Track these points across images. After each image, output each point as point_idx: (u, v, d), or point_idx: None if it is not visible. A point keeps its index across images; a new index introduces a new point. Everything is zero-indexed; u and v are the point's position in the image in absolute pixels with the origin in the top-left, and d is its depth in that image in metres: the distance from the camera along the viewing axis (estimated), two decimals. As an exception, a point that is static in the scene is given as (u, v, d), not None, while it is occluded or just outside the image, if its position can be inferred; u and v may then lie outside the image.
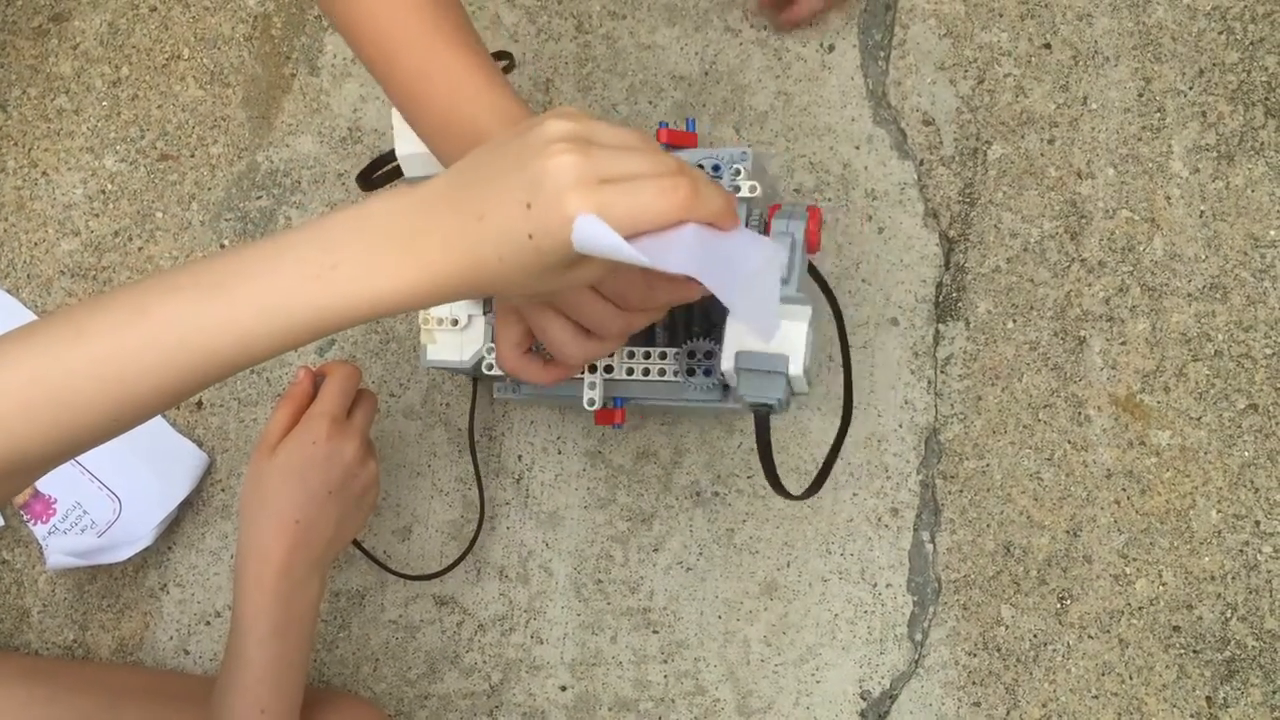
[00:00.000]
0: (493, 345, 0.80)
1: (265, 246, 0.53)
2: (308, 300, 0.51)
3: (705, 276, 0.50)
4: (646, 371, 0.77)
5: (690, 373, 0.76)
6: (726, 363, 0.68)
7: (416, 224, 0.52)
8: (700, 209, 0.51)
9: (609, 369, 0.78)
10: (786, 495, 0.68)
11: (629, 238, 0.50)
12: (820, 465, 0.72)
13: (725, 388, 0.76)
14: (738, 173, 0.74)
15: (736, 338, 0.68)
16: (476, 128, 0.65)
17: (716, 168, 0.74)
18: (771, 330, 0.52)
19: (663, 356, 0.77)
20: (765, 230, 0.73)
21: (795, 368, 0.66)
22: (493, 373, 0.80)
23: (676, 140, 0.77)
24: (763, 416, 0.68)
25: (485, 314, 0.81)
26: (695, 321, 0.79)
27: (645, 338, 0.80)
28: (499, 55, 0.83)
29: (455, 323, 0.81)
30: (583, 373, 0.78)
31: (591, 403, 0.77)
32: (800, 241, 0.69)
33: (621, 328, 0.64)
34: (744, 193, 0.74)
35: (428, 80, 0.66)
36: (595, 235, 0.49)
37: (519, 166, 0.51)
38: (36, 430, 0.52)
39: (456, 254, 0.51)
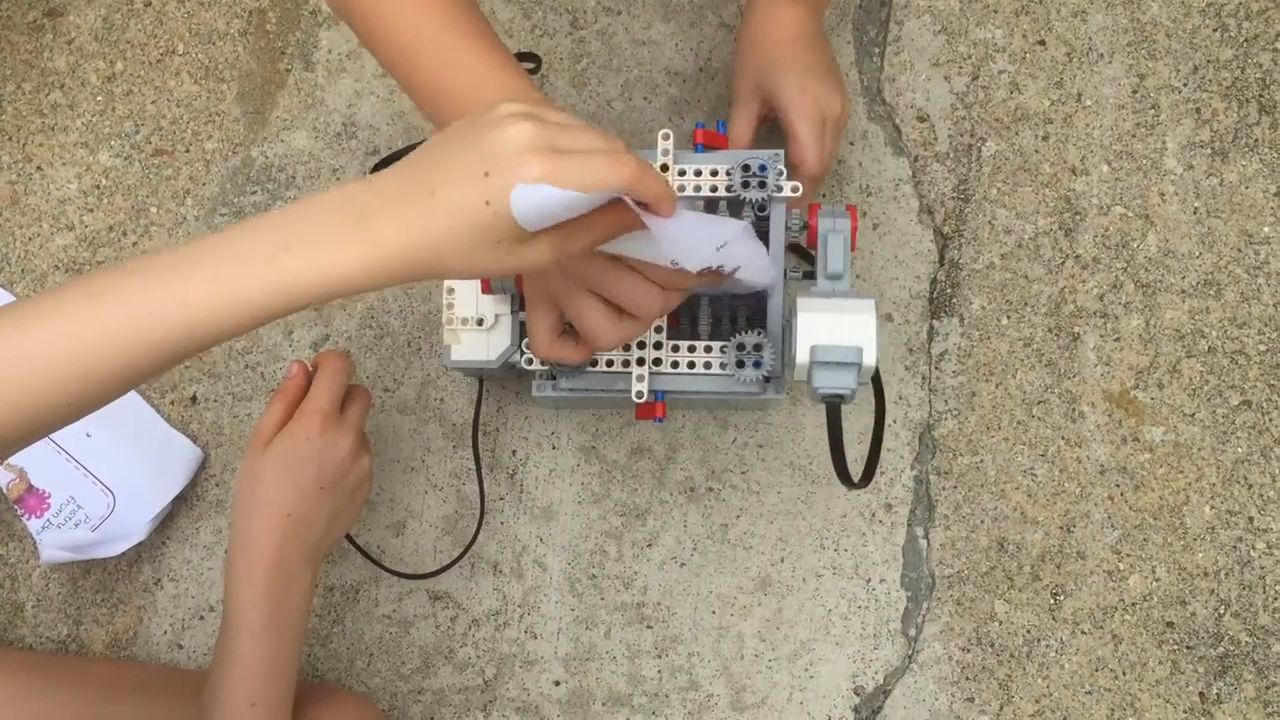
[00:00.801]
0: (522, 349, 0.81)
1: (220, 234, 0.54)
2: (256, 281, 0.52)
3: (669, 248, 0.56)
4: (692, 365, 0.79)
5: (740, 365, 0.77)
6: (802, 356, 0.69)
7: (368, 204, 0.53)
8: (644, 186, 0.54)
9: (656, 361, 0.79)
10: (851, 485, 0.70)
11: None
12: (840, 457, 0.73)
13: (766, 379, 0.77)
14: (781, 173, 0.76)
15: (809, 330, 0.69)
16: (469, 80, 0.66)
17: (763, 167, 0.76)
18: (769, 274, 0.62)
19: (708, 349, 0.78)
20: (810, 229, 0.76)
21: (869, 358, 0.68)
22: (532, 366, 0.80)
23: (711, 141, 0.79)
24: (834, 407, 0.70)
25: (514, 312, 0.82)
26: (740, 314, 0.82)
27: (689, 331, 0.82)
28: (525, 57, 0.84)
29: (480, 322, 0.81)
30: (628, 366, 0.79)
31: (640, 395, 0.78)
32: (847, 239, 0.74)
33: (659, 306, 0.65)
34: (785, 192, 0.76)
35: (450, 78, 0.67)
36: (536, 198, 0.51)
37: (473, 140, 0.52)
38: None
39: (407, 231, 0.52)
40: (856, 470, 0.72)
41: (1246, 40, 0.99)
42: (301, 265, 0.52)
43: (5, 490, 0.94)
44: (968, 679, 0.92)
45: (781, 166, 0.77)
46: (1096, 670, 0.92)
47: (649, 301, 0.65)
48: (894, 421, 0.95)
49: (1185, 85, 0.98)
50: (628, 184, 0.53)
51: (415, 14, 0.68)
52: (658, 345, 0.79)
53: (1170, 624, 0.92)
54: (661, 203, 0.56)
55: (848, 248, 0.75)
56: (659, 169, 0.76)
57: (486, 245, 0.52)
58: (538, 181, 0.51)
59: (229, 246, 0.53)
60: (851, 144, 0.98)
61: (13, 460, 0.94)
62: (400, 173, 0.54)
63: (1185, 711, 0.91)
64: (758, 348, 0.77)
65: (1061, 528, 0.93)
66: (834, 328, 0.69)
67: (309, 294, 0.53)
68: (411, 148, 0.83)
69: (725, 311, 0.83)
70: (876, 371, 0.72)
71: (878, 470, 0.94)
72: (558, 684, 0.93)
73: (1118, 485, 0.94)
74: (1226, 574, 0.93)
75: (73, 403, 0.54)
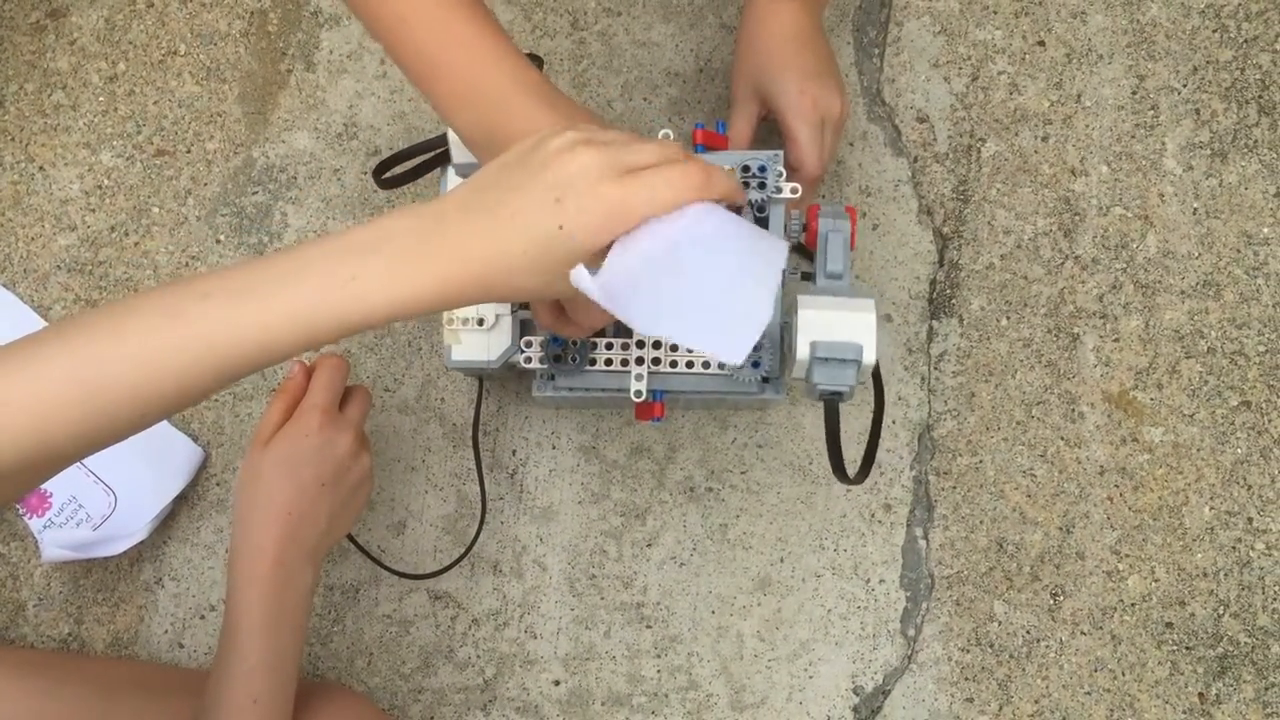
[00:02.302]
0: (521, 347, 0.81)
1: (288, 257, 0.56)
2: (329, 308, 0.54)
3: (664, 333, 0.56)
4: (690, 364, 0.79)
5: (739, 365, 0.77)
6: (802, 352, 0.69)
7: (433, 233, 0.55)
8: (714, 190, 0.56)
9: (655, 361, 0.79)
10: (848, 480, 0.71)
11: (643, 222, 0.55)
12: (831, 454, 0.73)
13: (765, 379, 0.78)
14: (780, 174, 0.77)
15: (810, 327, 0.69)
16: (500, 94, 0.67)
17: (763, 168, 0.76)
18: (740, 355, 0.56)
19: None
20: (809, 229, 0.76)
21: (869, 356, 0.68)
22: (532, 366, 0.81)
23: (710, 141, 0.79)
24: (833, 405, 0.70)
25: (513, 312, 0.82)
26: None
27: None
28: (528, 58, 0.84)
29: (481, 322, 0.82)
30: (627, 365, 0.79)
31: (639, 394, 0.78)
32: (847, 239, 0.75)
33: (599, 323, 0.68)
34: (785, 194, 0.77)
35: (446, 51, 0.67)
36: (581, 282, 0.54)
37: (541, 168, 0.54)
38: (69, 424, 0.54)
39: (478, 254, 0.55)
40: (854, 469, 0.73)
41: (1246, 41, 0.99)
42: (374, 290, 0.54)
43: (7, 489, 0.94)
44: (967, 679, 0.92)
45: (781, 167, 0.77)
46: (1096, 671, 0.92)
47: (599, 320, 0.67)
48: (893, 422, 0.95)
49: (1185, 86, 0.98)
50: (699, 192, 0.56)
51: (439, 19, 0.68)
52: (656, 345, 0.79)
53: (1169, 624, 0.92)
54: (735, 196, 0.58)
55: (847, 247, 0.75)
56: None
57: (556, 266, 0.55)
58: (616, 206, 0.54)
59: (305, 270, 0.55)
60: (851, 144, 0.99)
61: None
62: (466, 198, 0.56)
63: (1184, 712, 0.91)
64: (756, 348, 0.77)
65: (1061, 528, 0.93)
66: (834, 325, 0.69)
67: (380, 316, 0.55)
68: (415, 149, 0.84)
69: None
70: (876, 366, 0.72)
71: (878, 471, 0.94)
72: (557, 684, 0.93)
73: (1117, 486, 0.94)
74: (1226, 574, 0.93)
75: (145, 415, 0.55)
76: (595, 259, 0.55)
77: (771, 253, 0.59)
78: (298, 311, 0.54)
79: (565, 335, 0.75)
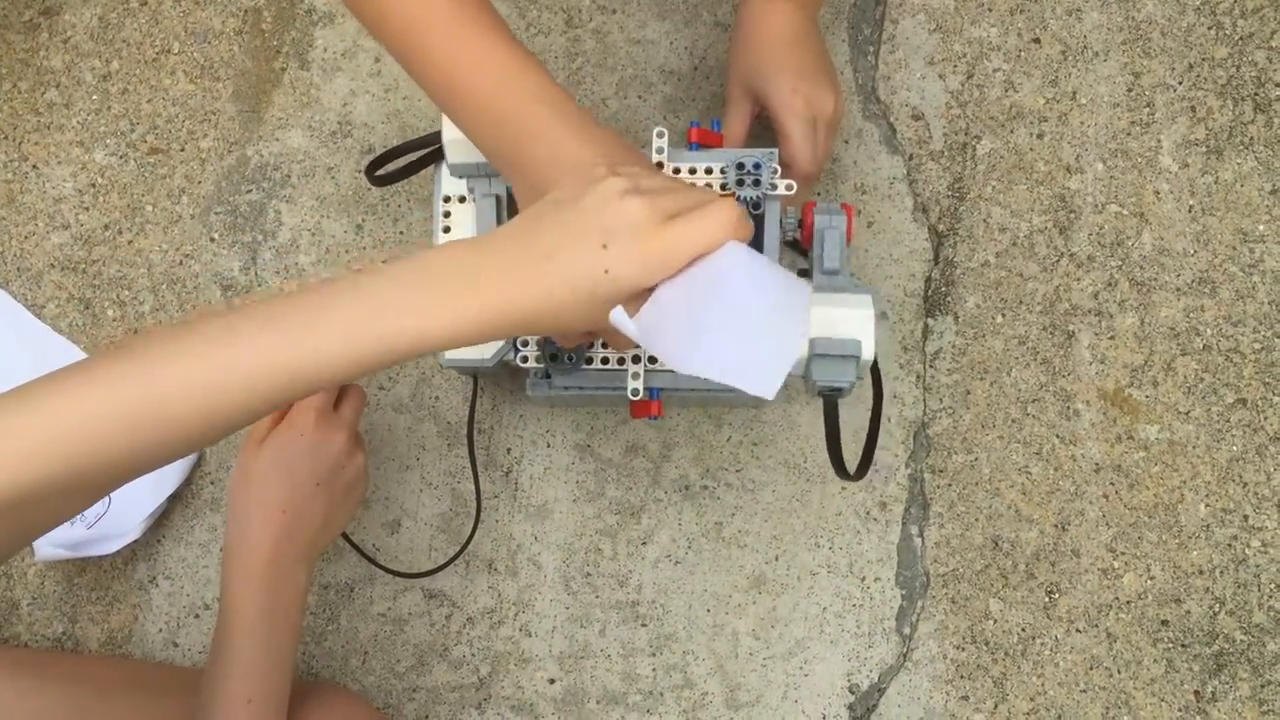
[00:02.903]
0: (517, 346, 0.81)
1: (338, 289, 0.58)
2: (378, 340, 0.57)
3: (699, 371, 0.59)
4: None
5: None
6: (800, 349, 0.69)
7: (480, 267, 0.58)
8: (746, 226, 0.60)
9: (652, 359, 0.79)
10: (847, 476, 0.72)
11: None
12: (829, 450, 0.73)
13: None
14: (775, 172, 0.77)
15: (810, 324, 0.69)
16: (520, 112, 0.67)
17: (758, 166, 0.76)
18: (773, 390, 0.59)
19: None
20: (805, 226, 0.77)
21: (868, 352, 0.68)
22: (527, 364, 0.80)
23: (705, 139, 0.79)
24: (832, 401, 0.71)
25: None
26: None
27: None
28: None
29: None
30: (623, 364, 0.79)
31: (636, 393, 0.78)
32: (843, 235, 0.75)
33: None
34: (780, 190, 0.77)
35: (458, 68, 0.68)
36: (620, 324, 0.59)
37: (588, 213, 0.58)
38: (125, 448, 0.55)
39: (524, 290, 0.57)
40: (852, 465, 0.72)
41: (1241, 38, 0.99)
42: (418, 323, 0.57)
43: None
44: (962, 677, 0.92)
45: (776, 165, 0.77)
46: (1091, 668, 0.92)
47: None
48: (889, 420, 0.95)
49: (1180, 83, 0.98)
50: (734, 234, 0.59)
51: (422, 3, 0.68)
52: None
53: (1165, 622, 0.92)
54: (751, 233, 0.62)
55: (844, 244, 0.75)
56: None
57: (601, 306, 0.58)
58: (659, 251, 0.57)
59: (353, 304, 0.57)
60: (846, 142, 0.99)
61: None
62: (515, 235, 0.59)
63: (1180, 710, 0.91)
64: None
65: (1056, 526, 0.93)
66: (832, 321, 0.69)
67: (423, 348, 0.57)
68: (408, 146, 0.84)
69: None
70: (876, 363, 0.72)
71: (873, 469, 0.94)
72: (552, 682, 0.93)
73: (1112, 483, 0.94)
74: (1221, 572, 0.93)
75: (191, 440, 0.57)
76: (638, 299, 0.59)
77: (799, 291, 0.63)
78: (346, 340, 0.56)
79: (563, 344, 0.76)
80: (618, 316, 0.58)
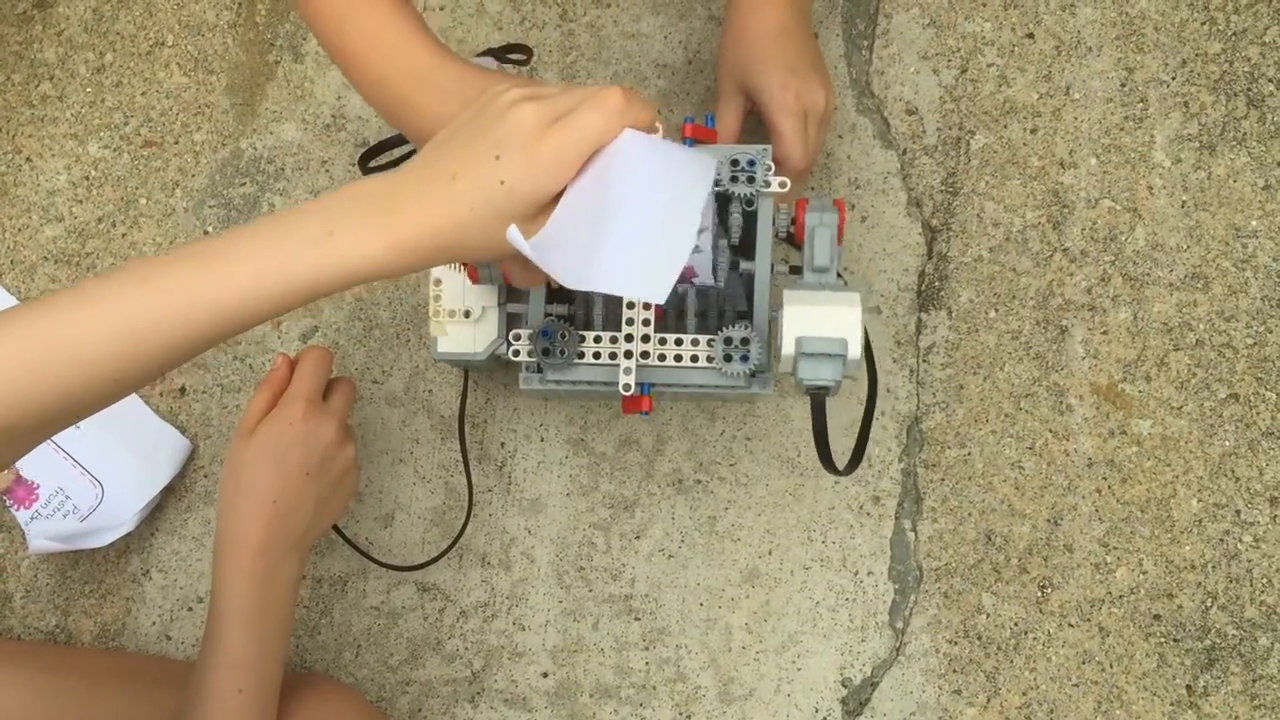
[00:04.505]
0: (509, 340, 0.81)
1: (266, 221, 0.58)
2: (306, 264, 0.56)
3: (590, 285, 0.58)
4: (679, 358, 0.79)
5: (727, 358, 0.77)
6: (787, 347, 0.69)
7: (398, 193, 0.58)
8: (634, 111, 0.58)
9: (644, 354, 0.79)
10: (837, 472, 0.71)
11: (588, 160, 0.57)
12: (816, 445, 0.74)
13: (753, 373, 0.78)
14: (769, 168, 0.77)
15: (795, 323, 0.69)
16: (399, 92, 0.70)
17: (751, 162, 0.77)
18: (662, 295, 0.58)
19: (695, 343, 0.78)
20: (798, 223, 0.77)
21: (854, 351, 0.68)
22: (519, 359, 0.80)
23: (699, 135, 0.80)
24: (819, 399, 0.71)
25: (501, 304, 0.82)
26: (727, 309, 0.82)
27: (676, 324, 0.82)
28: (515, 49, 0.85)
29: (468, 314, 0.82)
30: (615, 358, 0.80)
31: (627, 388, 0.78)
32: (834, 233, 0.75)
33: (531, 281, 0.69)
34: (774, 188, 0.77)
35: (352, 40, 0.71)
36: (515, 241, 0.57)
37: (484, 128, 0.57)
38: (46, 389, 0.55)
39: (433, 214, 0.57)
40: (841, 461, 0.73)
41: (1235, 34, 0.99)
42: (347, 249, 0.56)
43: (-7, 481, 0.94)
44: (955, 671, 0.92)
45: (770, 161, 0.77)
46: (1083, 663, 0.92)
47: (531, 279, 0.69)
48: (882, 414, 0.95)
49: (1174, 79, 0.98)
50: (621, 120, 0.57)
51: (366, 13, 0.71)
52: (645, 338, 0.79)
53: (1157, 617, 0.92)
54: (653, 119, 0.60)
55: (835, 242, 0.75)
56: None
57: (505, 223, 0.57)
58: (548, 153, 0.56)
59: (275, 231, 0.57)
60: (840, 137, 0.99)
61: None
62: (421, 165, 0.59)
63: (1172, 704, 0.91)
64: (745, 341, 0.77)
65: (1049, 520, 0.93)
66: (819, 320, 0.69)
67: (352, 276, 0.57)
68: (400, 138, 0.84)
69: (713, 305, 0.83)
70: (870, 355, 0.72)
71: (866, 463, 0.94)
72: (545, 675, 0.93)
73: (1105, 478, 0.94)
74: (1213, 567, 0.93)
75: (121, 380, 0.56)
76: (545, 211, 0.57)
77: (697, 177, 0.60)
78: (269, 270, 0.56)
79: (528, 285, 0.74)
80: (513, 235, 0.57)
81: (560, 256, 0.58)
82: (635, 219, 0.58)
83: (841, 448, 0.94)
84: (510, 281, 0.72)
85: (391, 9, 0.71)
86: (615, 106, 0.57)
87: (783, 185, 0.77)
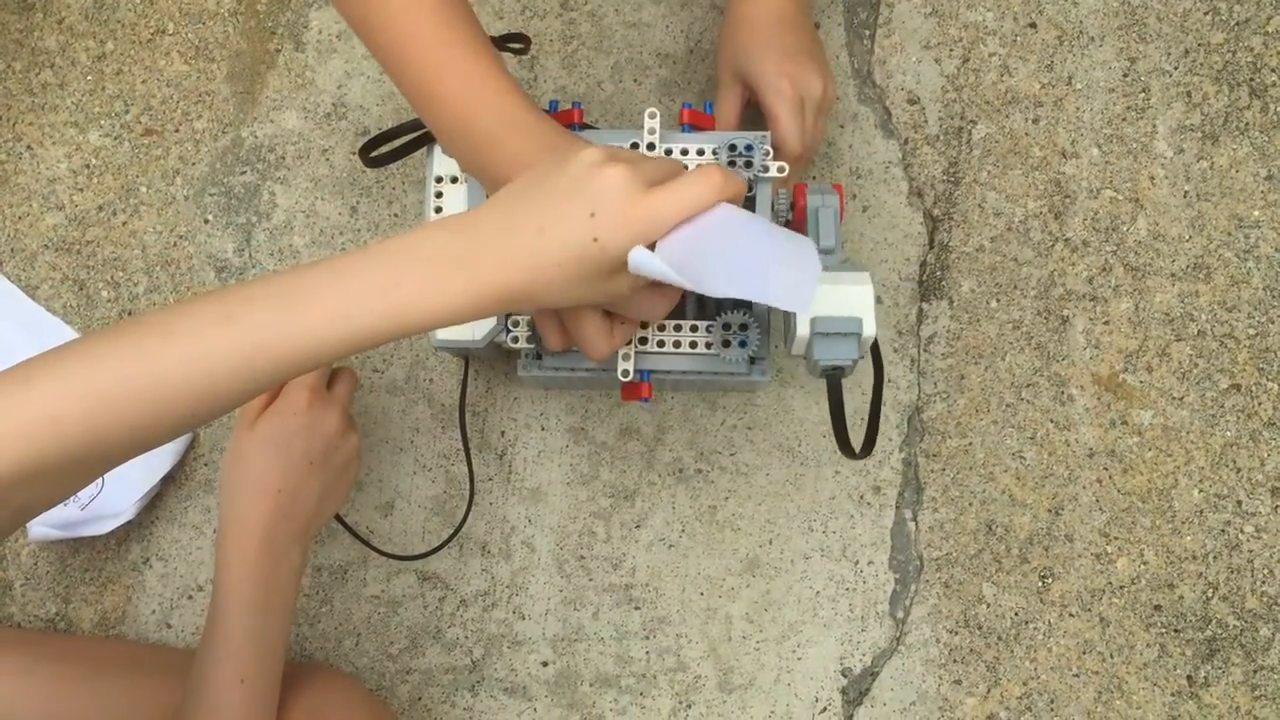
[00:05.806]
0: (508, 327, 0.81)
1: (330, 268, 0.58)
2: (373, 314, 0.57)
3: (738, 288, 0.59)
4: (678, 344, 0.79)
5: (726, 344, 0.77)
6: (802, 329, 0.69)
7: (472, 244, 0.58)
8: (729, 189, 0.60)
9: (643, 340, 0.79)
10: (853, 455, 0.71)
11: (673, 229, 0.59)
12: (829, 431, 0.75)
13: (752, 360, 0.78)
14: (767, 154, 0.77)
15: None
16: (489, 135, 0.68)
17: (749, 147, 0.77)
18: (806, 302, 0.60)
19: (694, 329, 0.78)
20: (796, 207, 0.77)
21: (869, 329, 0.68)
22: (518, 345, 0.80)
23: (697, 121, 0.79)
24: (835, 380, 0.71)
25: None
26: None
27: (675, 311, 0.81)
28: (514, 38, 0.84)
29: None
30: None
31: (626, 374, 0.78)
32: (836, 213, 0.76)
33: (664, 312, 0.69)
34: (772, 173, 0.77)
35: (440, 83, 0.69)
36: (644, 263, 0.58)
37: (574, 184, 0.58)
38: (122, 424, 0.54)
39: (515, 266, 0.57)
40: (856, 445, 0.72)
41: (1238, 24, 0.99)
42: (413, 301, 0.57)
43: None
44: (955, 661, 0.92)
45: (768, 147, 0.77)
46: (1084, 653, 0.92)
47: (659, 310, 0.69)
48: (883, 404, 0.95)
49: (1176, 69, 0.98)
50: (720, 194, 0.59)
51: (410, 14, 0.69)
52: (643, 324, 0.79)
53: (1158, 607, 0.92)
54: (743, 192, 0.62)
55: (838, 222, 0.75)
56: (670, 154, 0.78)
57: (586, 279, 0.58)
58: (645, 214, 0.57)
59: (347, 278, 0.57)
60: (841, 127, 0.98)
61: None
62: (501, 214, 0.59)
63: (1173, 694, 0.91)
64: (744, 327, 0.77)
65: (1050, 510, 0.93)
66: (833, 300, 0.69)
67: (416, 325, 0.57)
68: (402, 128, 0.84)
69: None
70: (875, 341, 0.72)
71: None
72: (545, 664, 0.93)
73: (1106, 468, 0.94)
74: (1214, 557, 0.93)
75: (182, 420, 0.56)
76: (620, 274, 0.59)
77: (801, 238, 0.64)
78: (340, 317, 0.56)
79: (557, 349, 0.75)
80: (638, 256, 0.58)
81: (700, 266, 0.59)
82: (757, 246, 0.60)
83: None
84: (553, 346, 0.73)
85: (487, 52, 0.70)
86: (718, 182, 0.59)
87: (781, 170, 0.77)
